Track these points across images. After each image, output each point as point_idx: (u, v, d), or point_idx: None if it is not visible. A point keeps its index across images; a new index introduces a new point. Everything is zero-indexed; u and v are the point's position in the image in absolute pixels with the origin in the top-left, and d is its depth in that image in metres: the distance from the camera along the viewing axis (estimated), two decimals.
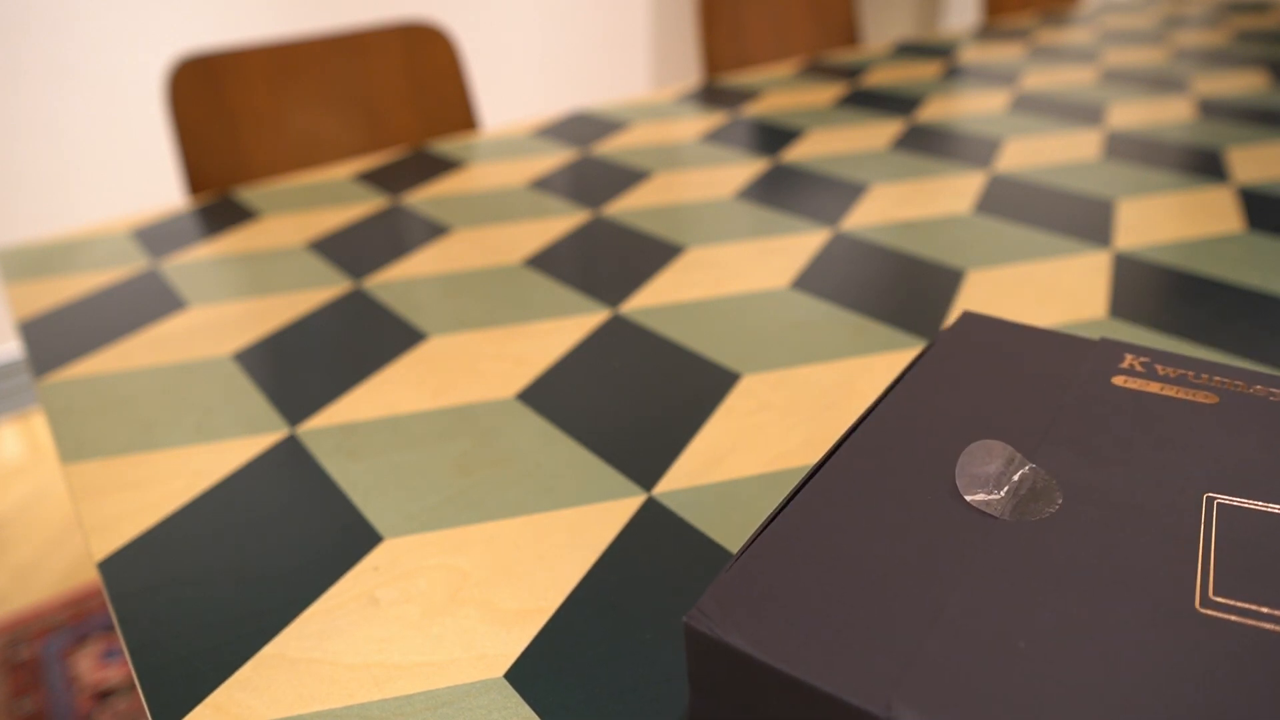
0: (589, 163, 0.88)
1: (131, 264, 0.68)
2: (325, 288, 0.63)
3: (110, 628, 1.24)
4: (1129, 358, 0.37)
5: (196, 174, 0.96)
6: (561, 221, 0.73)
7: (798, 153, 0.88)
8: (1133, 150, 0.86)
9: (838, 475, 0.31)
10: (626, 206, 0.76)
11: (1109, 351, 0.37)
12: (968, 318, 0.41)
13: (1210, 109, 0.99)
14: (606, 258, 0.66)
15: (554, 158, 0.90)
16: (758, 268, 0.63)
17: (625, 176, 0.83)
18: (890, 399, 0.35)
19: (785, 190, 0.78)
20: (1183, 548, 0.27)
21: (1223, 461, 0.31)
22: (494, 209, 0.77)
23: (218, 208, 0.80)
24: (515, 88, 2.23)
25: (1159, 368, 0.36)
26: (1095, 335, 0.52)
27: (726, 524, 0.38)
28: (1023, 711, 0.23)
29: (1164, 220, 0.69)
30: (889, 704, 0.23)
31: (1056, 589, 0.26)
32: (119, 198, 1.74)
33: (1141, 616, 0.25)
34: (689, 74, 2.54)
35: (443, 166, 0.89)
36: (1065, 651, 0.24)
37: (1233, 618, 0.25)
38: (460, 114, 1.13)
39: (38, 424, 1.75)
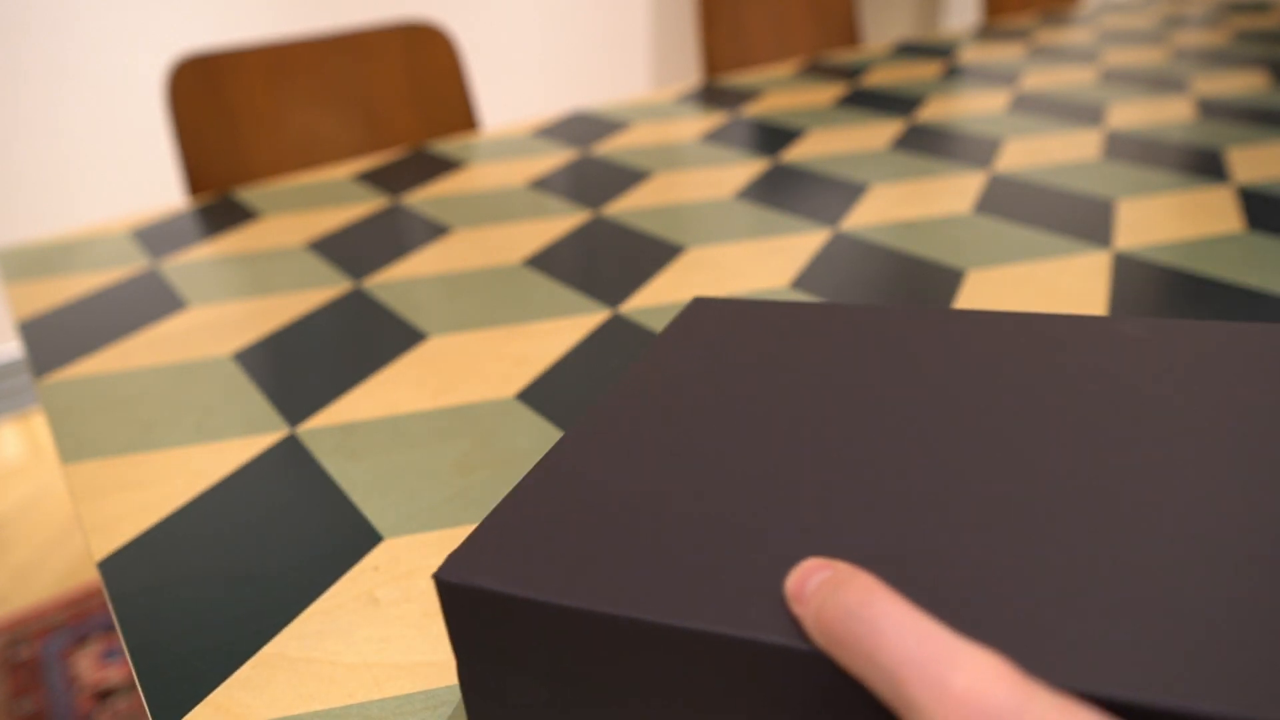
0: (589, 163, 0.88)
1: (131, 264, 0.68)
2: (325, 288, 0.63)
3: (110, 628, 1.24)
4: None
5: (196, 174, 0.96)
6: (561, 221, 0.73)
7: (798, 153, 0.88)
8: (1133, 150, 0.86)
9: (582, 438, 0.32)
10: (626, 206, 0.76)
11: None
12: (699, 302, 0.41)
13: (1210, 109, 0.99)
14: (606, 258, 0.66)
15: (554, 158, 0.90)
16: (758, 268, 0.63)
17: (625, 176, 0.83)
18: (632, 372, 0.36)
19: (785, 190, 0.78)
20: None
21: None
22: (494, 209, 0.77)
23: (218, 208, 0.80)
24: (515, 88, 2.23)
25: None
26: None
27: None
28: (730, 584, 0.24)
29: (1164, 220, 0.69)
30: (651, 609, 0.24)
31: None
32: (119, 198, 1.74)
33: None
34: (689, 74, 2.54)
35: (443, 166, 0.89)
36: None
37: None
38: (460, 114, 1.13)
39: (38, 424, 1.75)
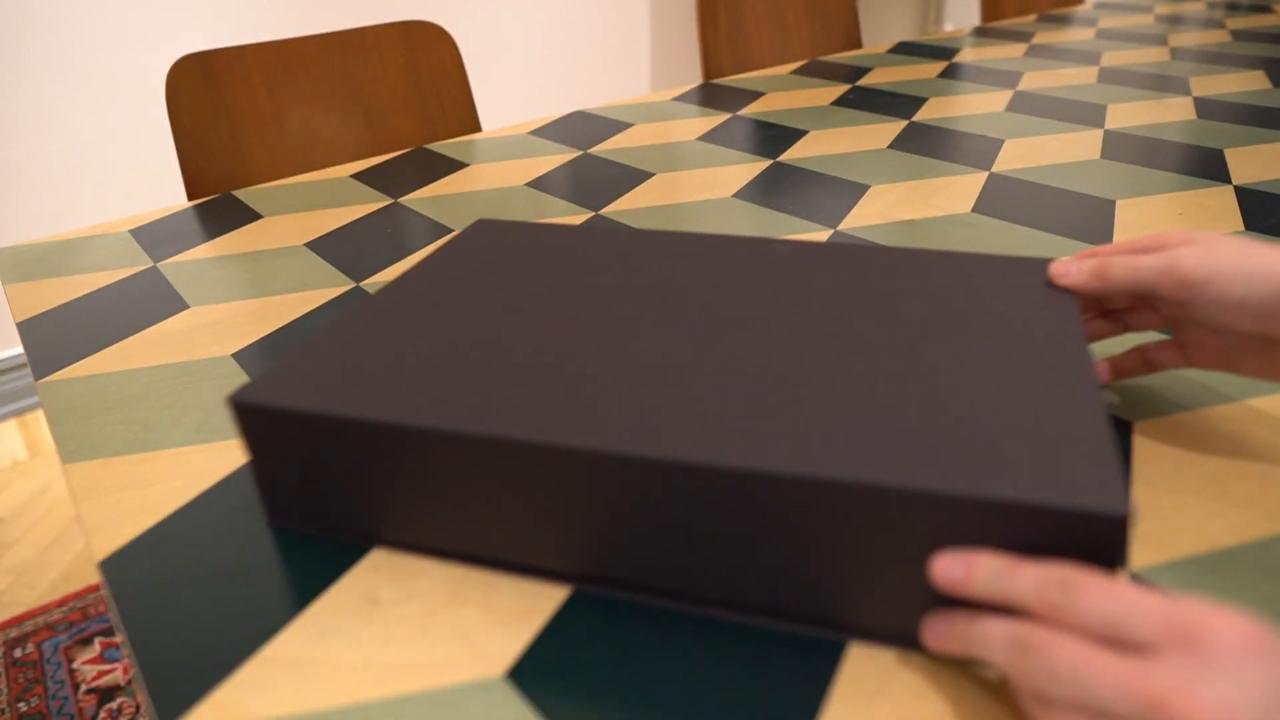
0: (589, 163, 0.88)
1: (131, 264, 0.68)
2: (325, 288, 0.63)
3: (110, 628, 1.24)
4: None
5: (196, 174, 0.96)
6: (562, 222, 0.73)
7: (798, 153, 0.89)
8: (1132, 150, 0.86)
9: (373, 307, 0.42)
10: (626, 206, 0.76)
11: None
12: (481, 224, 0.52)
13: (1210, 109, 0.99)
14: None
15: (554, 158, 0.90)
16: None
17: (625, 176, 0.83)
18: (425, 264, 0.46)
19: (785, 190, 0.78)
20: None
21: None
22: (494, 209, 0.77)
23: (218, 208, 0.80)
24: (515, 88, 2.23)
25: None
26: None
27: None
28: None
29: (1163, 220, 0.69)
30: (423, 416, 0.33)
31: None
32: (119, 198, 1.74)
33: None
34: (689, 75, 2.54)
35: (443, 166, 0.89)
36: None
37: None
38: (461, 114, 1.13)
39: (38, 424, 1.75)
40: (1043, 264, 0.44)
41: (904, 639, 0.31)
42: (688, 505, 0.31)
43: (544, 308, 0.41)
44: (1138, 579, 0.34)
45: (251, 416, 0.35)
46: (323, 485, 0.36)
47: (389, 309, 0.41)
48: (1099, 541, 0.27)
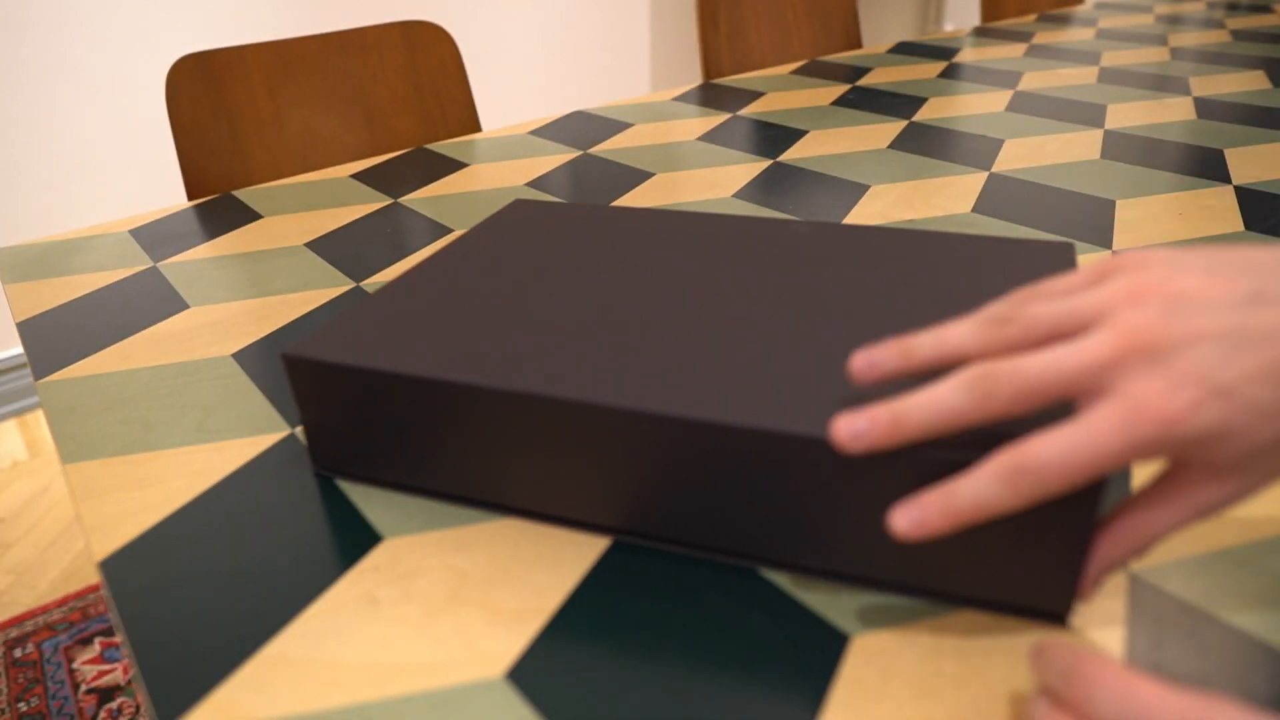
0: (589, 162, 0.88)
1: (131, 264, 0.68)
2: (325, 288, 0.63)
3: (110, 628, 1.24)
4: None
5: (196, 174, 0.96)
6: None
7: (798, 153, 0.89)
8: (1132, 150, 0.86)
9: (411, 281, 0.45)
10: (626, 206, 0.76)
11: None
12: (518, 204, 0.55)
13: (1209, 109, 0.99)
14: None
15: (554, 158, 0.90)
16: None
17: (625, 176, 0.83)
18: (452, 247, 0.49)
19: (785, 190, 0.78)
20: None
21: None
22: (494, 209, 0.77)
23: (218, 208, 0.80)
24: (515, 88, 2.23)
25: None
26: None
27: None
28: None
29: (1164, 220, 0.69)
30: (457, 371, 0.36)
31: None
32: (119, 198, 1.74)
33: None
34: (689, 76, 2.54)
35: (443, 166, 0.89)
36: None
37: None
38: (461, 113, 1.13)
39: (38, 424, 1.75)
40: (1058, 247, 0.46)
41: (907, 587, 0.34)
42: (708, 459, 0.34)
43: (579, 277, 0.44)
44: (1140, 581, 0.34)
45: (300, 370, 0.38)
46: (365, 436, 0.39)
47: (430, 278, 0.45)
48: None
